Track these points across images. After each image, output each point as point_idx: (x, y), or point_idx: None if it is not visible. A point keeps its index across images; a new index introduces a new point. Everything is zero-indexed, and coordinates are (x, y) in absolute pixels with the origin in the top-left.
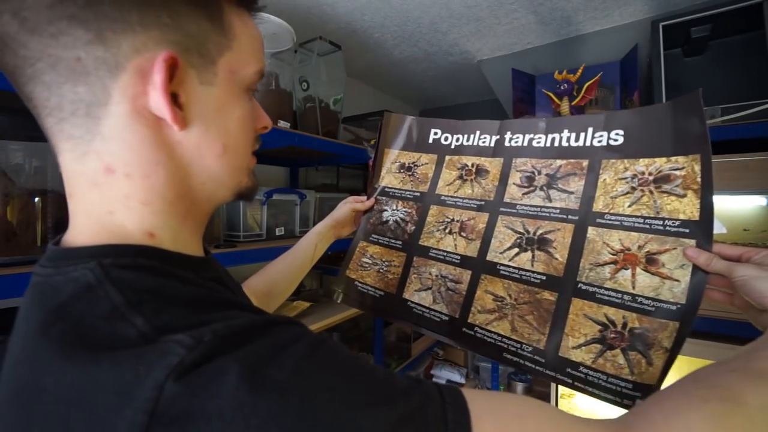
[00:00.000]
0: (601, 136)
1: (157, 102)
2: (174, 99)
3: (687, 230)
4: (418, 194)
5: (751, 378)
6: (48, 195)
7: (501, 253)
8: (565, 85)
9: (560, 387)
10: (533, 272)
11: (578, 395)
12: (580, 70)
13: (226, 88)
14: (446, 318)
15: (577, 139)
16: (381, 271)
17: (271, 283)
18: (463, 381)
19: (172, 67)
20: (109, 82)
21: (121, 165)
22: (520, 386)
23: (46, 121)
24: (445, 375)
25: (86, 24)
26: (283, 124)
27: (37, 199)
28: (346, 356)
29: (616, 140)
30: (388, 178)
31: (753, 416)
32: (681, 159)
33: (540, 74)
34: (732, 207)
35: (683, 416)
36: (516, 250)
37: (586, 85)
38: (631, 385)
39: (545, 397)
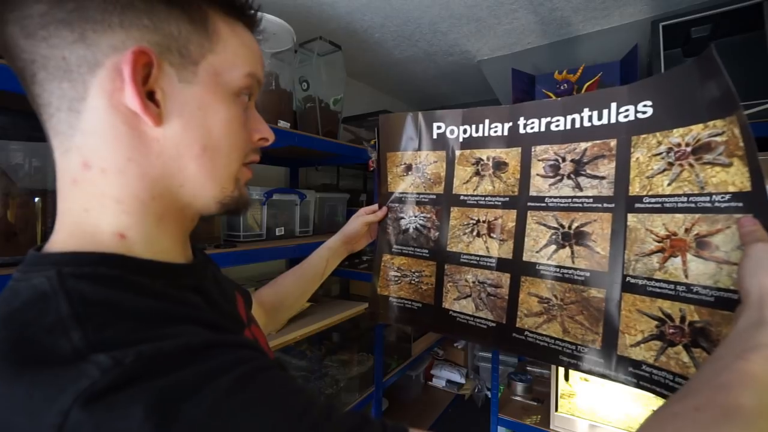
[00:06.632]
0: (627, 110)
1: (129, 95)
2: (151, 96)
3: (740, 204)
4: (434, 197)
5: (723, 419)
6: (48, 195)
7: (537, 252)
8: (565, 85)
9: (560, 387)
10: (575, 269)
11: (579, 394)
12: (580, 70)
13: (208, 88)
14: (493, 324)
15: (600, 117)
16: (413, 282)
17: (280, 296)
18: (463, 381)
19: (148, 65)
20: (88, 78)
21: (97, 160)
22: (520, 386)
23: (42, 119)
24: (445, 375)
25: (71, 26)
26: (283, 124)
27: (37, 199)
28: (281, 393)
29: (644, 113)
30: (397, 182)
31: None
32: (719, 123)
33: (540, 74)
34: None
35: None
36: (553, 247)
37: (586, 85)
38: None
39: (545, 397)
